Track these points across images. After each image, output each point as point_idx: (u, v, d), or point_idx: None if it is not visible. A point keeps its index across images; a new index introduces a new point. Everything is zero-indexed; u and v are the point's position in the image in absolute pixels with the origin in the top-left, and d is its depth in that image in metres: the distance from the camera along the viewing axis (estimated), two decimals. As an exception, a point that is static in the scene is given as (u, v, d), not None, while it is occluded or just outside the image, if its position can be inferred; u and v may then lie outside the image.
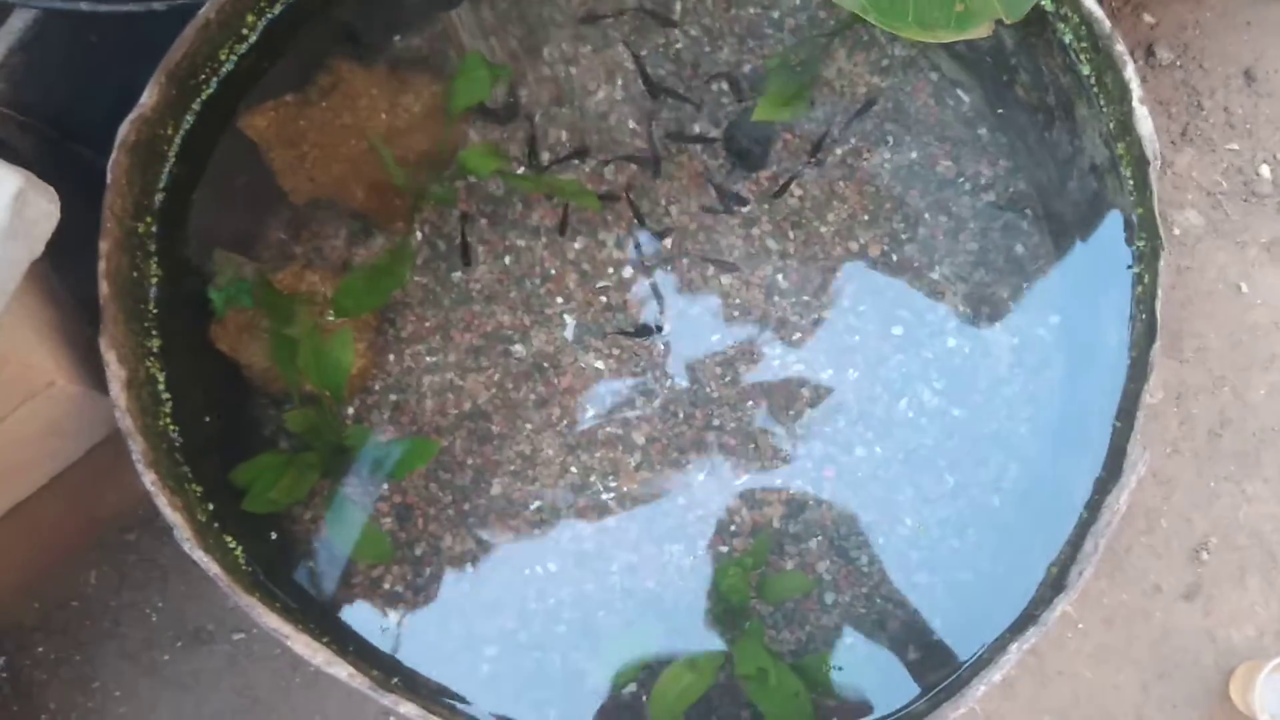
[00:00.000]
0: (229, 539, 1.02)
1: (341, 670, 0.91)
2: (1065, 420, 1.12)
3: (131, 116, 1.00)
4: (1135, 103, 1.00)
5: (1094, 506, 1.00)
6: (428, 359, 1.16)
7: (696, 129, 1.21)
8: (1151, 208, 1.02)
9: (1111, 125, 1.06)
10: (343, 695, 0.92)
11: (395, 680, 1.01)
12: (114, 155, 0.99)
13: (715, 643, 1.10)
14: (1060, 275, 1.16)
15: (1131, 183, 1.05)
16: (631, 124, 1.21)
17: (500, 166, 1.18)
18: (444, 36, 1.21)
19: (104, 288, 0.97)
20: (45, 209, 0.76)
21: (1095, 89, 1.07)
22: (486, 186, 1.19)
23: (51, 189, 0.78)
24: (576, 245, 1.19)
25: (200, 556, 0.93)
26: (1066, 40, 1.08)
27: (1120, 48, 1.01)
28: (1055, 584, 0.99)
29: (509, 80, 1.20)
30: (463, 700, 1.06)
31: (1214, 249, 1.38)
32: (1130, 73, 1.01)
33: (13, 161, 1.04)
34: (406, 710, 0.92)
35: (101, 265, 0.97)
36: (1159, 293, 1.00)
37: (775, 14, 1.23)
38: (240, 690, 1.24)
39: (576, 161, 1.19)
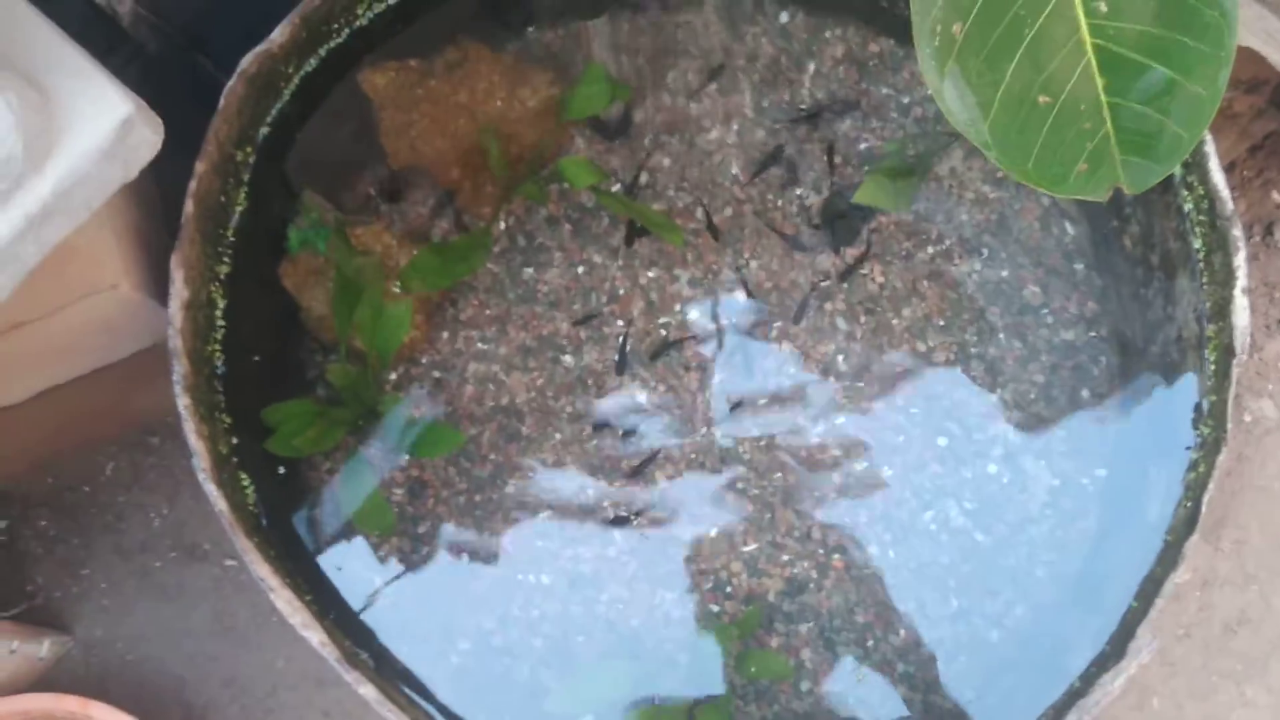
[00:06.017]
0: (244, 476, 1.03)
1: (314, 635, 0.92)
2: (1085, 576, 1.10)
3: (257, 49, 1.01)
4: (1237, 291, 0.98)
5: (1089, 679, 0.98)
6: (479, 346, 1.17)
7: (798, 192, 1.20)
8: (1225, 399, 0.99)
9: (1209, 305, 1.04)
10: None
11: (364, 656, 1.02)
12: (231, 82, 1.01)
13: (683, 696, 1.09)
14: (1118, 432, 1.14)
15: (1213, 368, 1.03)
16: (735, 170, 1.21)
17: (596, 182, 1.18)
18: (575, 39, 1.21)
19: (189, 207, 0.99)
20: (148, 138, 0.78)
21: (1201, 265, 1.05)
22: (578, 196, 1.19)
23: (158, 119, 0.80)
24: (650, 274, 1.19)
25: (211, 490, 0.94)
26: (1186, 209, 1.05)
27: (1237, 232, 0.98)
28: (1029, 745, 0.98)
29: (627, 99, 1.20)
30: (423, 688, 1.07)
31: (1280, 446, 1.35)
32: (1240, 260, 0.98)
33: (137, 59, 1.07)
34: (365, 692, 0.92)
35: (193, 185, 0.99)
36: (1210, 485, 0.98)
37: (906, 99, 1.22)
38: (219, 614, 1.26)
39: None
